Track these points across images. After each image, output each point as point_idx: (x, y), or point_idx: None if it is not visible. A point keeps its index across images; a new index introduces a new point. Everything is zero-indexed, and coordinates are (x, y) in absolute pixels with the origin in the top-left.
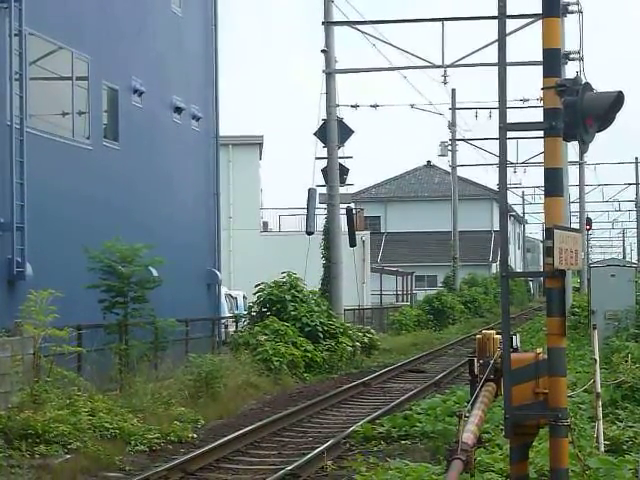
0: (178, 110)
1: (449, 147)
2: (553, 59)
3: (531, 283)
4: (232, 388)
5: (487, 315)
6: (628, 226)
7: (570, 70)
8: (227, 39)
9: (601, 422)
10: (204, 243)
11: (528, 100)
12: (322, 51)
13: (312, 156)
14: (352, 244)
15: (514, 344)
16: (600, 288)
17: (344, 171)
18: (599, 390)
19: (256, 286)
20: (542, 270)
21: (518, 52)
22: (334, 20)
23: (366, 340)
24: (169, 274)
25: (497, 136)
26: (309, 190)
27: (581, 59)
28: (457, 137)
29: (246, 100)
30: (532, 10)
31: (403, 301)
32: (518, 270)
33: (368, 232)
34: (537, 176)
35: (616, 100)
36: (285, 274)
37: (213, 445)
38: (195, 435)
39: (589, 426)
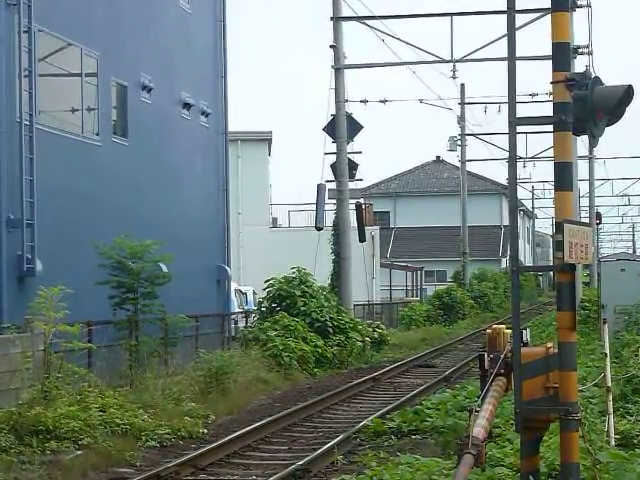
0: (187, 106)
1: (458, 142)
2: (562, 53)
3: (540, 278)
4: (242, 383)
5: (497, 310)
6: (638, 220)
7: (579, 64)
8: (235, 35)
9: (612, 416)
10: (213, 239)
11: (537, 94)
12: (331, 46)
13: (321, 151)
14: (361, 239)
15: (524, 338)
16: (610, 282)
17: (353, 166)
18: (609, 384)
19: (266, 282)
20: (552, 264)
21: (527, 46)
22: (343, 15)
23: (376, 335)
24: (179, 270)
25: (506, 131)
26: (318, 185)
27: (590, 53)
28: (466, 132)
29: (255, 96)
30: (541, 4)
31: (412, 296)
32: (528, 265)
33: (377, 227)
34: (547, 170)
35: (626, 94)
36: (295, 269)
37: (224, 440)
38: (205, 430)
39: (600, 420)
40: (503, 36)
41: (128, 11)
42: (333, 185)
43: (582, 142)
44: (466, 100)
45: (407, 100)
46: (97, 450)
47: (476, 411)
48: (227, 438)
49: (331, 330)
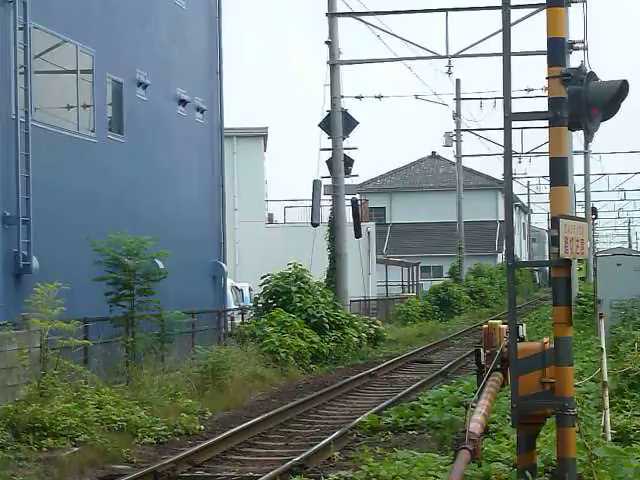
0: (182, 102)
1: (454, 137)
2: (557, 48)
3: (537, 273)
4: (239, 380)
5: (493, 305)
6: (634, 215)
7: (574, 59)
8: (230, 31)
9: (608, 411)
10: (209, 235)
11: (533, 90)
12: (326, 42)
13: (317, 147)
14: (357, 235)
15: (520, 334)
16: (606, 277)
17: (349, 162)
18: (606, 379)
19: (262, 278)
20: (548, 259)
21: (522, 42)
22: (338, 11)
23: (372, 331)
24: (175, 266)
25: (502, 126)
26: (314, 181)
27: (585, 48)
28: (462, 127)
29: (250, 92)
30: (536, 0)
31: (409, 292)
32: (524, 260)
33: (373, 223)
34: (542, 166)
35: (621, 89)
36: (291, 265)
37: (220, 437)
38: (202, 427)
39: (596, 415)
40: (498, 31)
41: (123, 8)
42: (329, 181)
43: (578, 137)
44: (461, 96)
45: (403, 96)
46: (93, 447)
47: (472, 406)
48: (224, 434)
49: (327, 326)
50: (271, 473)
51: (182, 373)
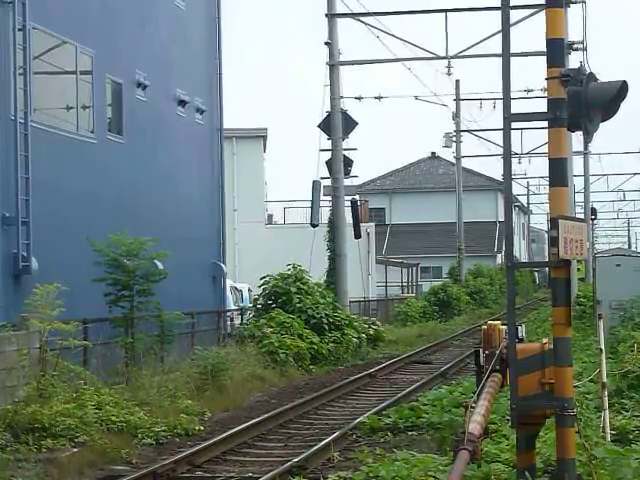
0: (182, 103)
1: (453, 138)
2: (557, 49)
3: (536, 273)
4: (238, 380)
5: (493, 306)
6: (633, 216)
7: (574, 60)
8: (230, 32)
9: (607, 412)
10: (209, 236)
11: (532, 90)
12: (325, 43)
13: (316, 148)
14: (357, 236)
15: (520, 335)
16: (605, 278)
17: (348, 163)
18: (605, 380)
19: (261, 279)
20: (547, 260)
21: (522, 42)
22: (337, 12)
23: (372, 332)
24: (174, 267)
25: (501, 127)
26: (314, 182)
27: (585, 49)
28: (461, 128)
29: (250, 92)
30: (536, 0)
31: (408, 292)
32: (523, 260)
33: (373, 224)
34: (542, 166)
35: (620, 90)
36: (290, 266)
37: (220, 438)
38: (202, 428)
39: (595, 416)
40: (498, 32)
41: (123, 9)
42: (328, 182)
43: (577, 138)
44: (461, 96)
45: (402, 97)
46: (93, 448)
47: (472, 407)
48: (223, 435)
49: (327, 327)
50: (271, 474)
51: (181, 374)
